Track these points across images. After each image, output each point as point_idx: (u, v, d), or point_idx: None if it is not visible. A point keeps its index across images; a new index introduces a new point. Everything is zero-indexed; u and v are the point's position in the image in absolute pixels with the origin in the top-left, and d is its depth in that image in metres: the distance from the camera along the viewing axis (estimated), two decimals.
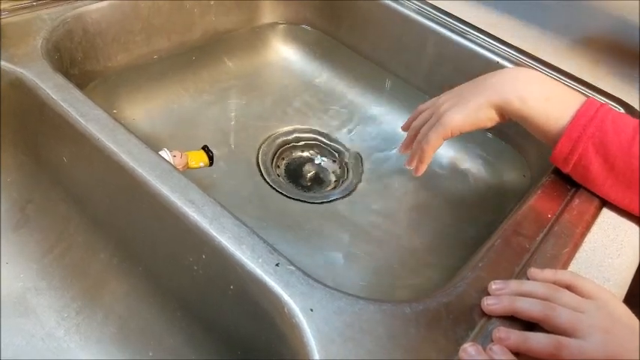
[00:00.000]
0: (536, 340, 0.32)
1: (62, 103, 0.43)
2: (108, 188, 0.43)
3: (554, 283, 0.36)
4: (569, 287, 0.36)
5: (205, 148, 0.56)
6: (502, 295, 0.35)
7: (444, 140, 0.50)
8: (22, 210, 0.50)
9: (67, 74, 0.48)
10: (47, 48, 0.50)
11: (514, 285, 0.36)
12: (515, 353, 0.32)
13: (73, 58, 0.56)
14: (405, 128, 0.57)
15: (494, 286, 0.36)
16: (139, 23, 0.62)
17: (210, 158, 0.56)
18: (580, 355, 0.31)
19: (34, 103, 0.45)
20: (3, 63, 0.47)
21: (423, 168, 0.52)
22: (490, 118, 0.48)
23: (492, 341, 0.33)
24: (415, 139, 0.53)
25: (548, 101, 0.45)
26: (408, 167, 0.54)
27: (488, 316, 0.35)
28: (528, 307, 0.34)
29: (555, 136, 0.45)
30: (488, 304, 0.35)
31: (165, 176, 0.39)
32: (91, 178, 0.45)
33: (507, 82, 0.47)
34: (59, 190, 0.48)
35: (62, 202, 0.48)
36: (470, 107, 0.48)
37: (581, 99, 0.45)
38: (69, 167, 0.46)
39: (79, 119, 0.42)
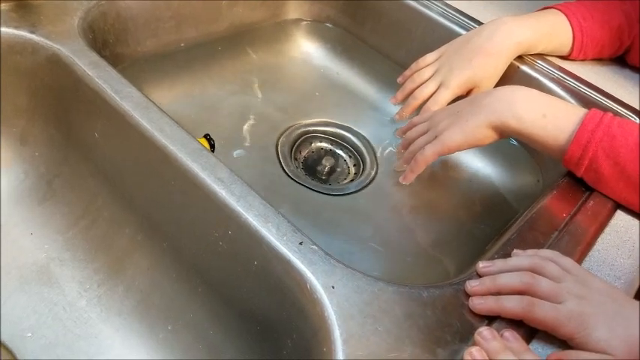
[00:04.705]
0: (510, 300, 0.34)
1: (97, 80, 0.45)
2: (137, 165, 0.45)
3: None
4: None
5: (207, 137, 0.57)
6: (490, 271, 0.37)
7: (439, 156, 0.52)
8: (49, 183, 0.52)
9: (99, 55, 0.49)
10: (83, 27, 0.51)
11: (500, 263, 0.37)
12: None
13: (105, 40, 0.57)
14: (400, 135, 0.60)
15: (482, 264, 0.37)
16: (169, 11, 0.63)
17: (212, 147, 0.57)
18: (553, 312, 0.33)
19: (69, 79, 0.47)
20: (40, 39, 0.48)
21: (412, 177, 0.54)
22: (488, 137, 0.50)
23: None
24: (408, 147, 0.55)
25: (545, 117, 0.46)
26: (397, 170, 0.59)
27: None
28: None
29: (556, 150, 0.46)
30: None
31: (195, 154, 0.40)
32: (121, 154, 0.46)
33: (504, 102, 0.48)
34: (88, 165, 0.50)
35: (90, 177, 0.49)
36: (468, 127, 0.49)
37: (581, 111, 0.46)
38: (100, 143, 0.48)
39: (114, 96, 0.43)
